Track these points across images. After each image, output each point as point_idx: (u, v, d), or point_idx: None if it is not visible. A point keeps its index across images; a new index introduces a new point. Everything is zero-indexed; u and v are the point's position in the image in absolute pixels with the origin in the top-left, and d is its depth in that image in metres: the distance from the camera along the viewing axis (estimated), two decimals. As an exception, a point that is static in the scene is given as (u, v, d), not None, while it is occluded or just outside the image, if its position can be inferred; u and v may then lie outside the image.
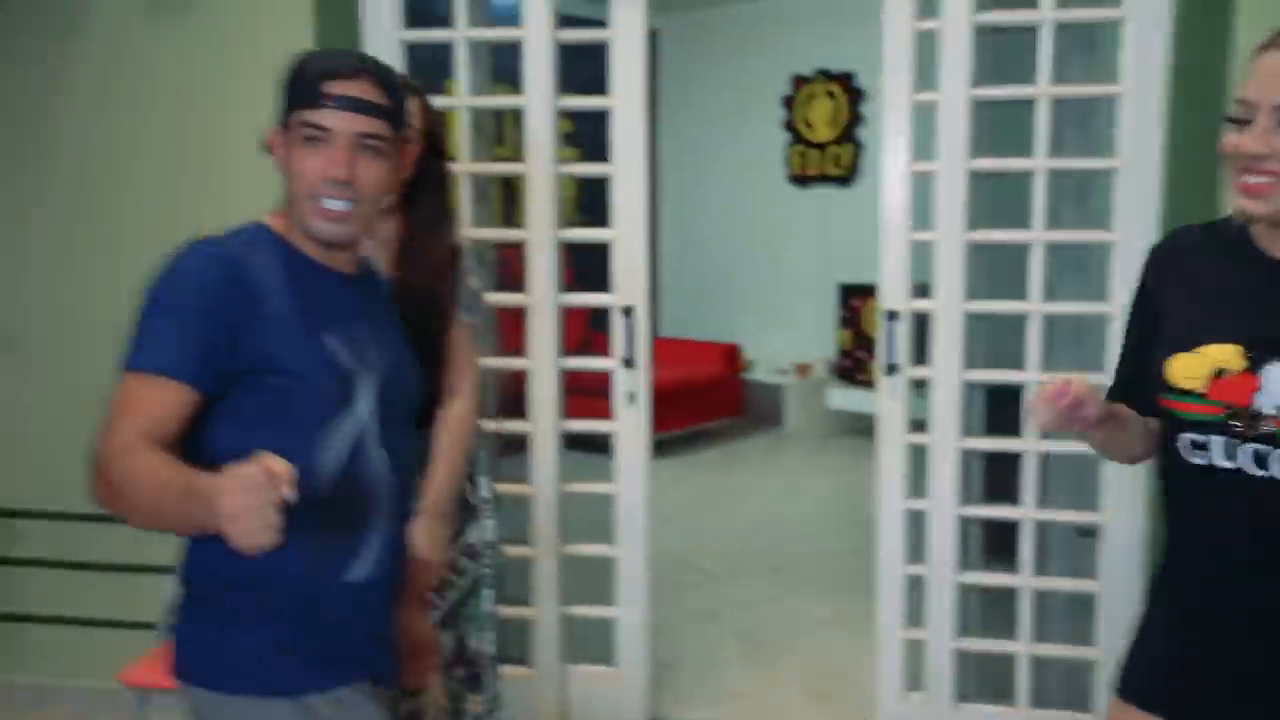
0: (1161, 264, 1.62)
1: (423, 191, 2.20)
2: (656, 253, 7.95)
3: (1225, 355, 1.44)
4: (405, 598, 1.73)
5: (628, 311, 2.99)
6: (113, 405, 1.39)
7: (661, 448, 6.56)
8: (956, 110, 2.75)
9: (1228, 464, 1.45)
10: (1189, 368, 1.47)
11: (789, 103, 7.47)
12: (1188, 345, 1.48)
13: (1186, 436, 1.49)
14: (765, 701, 3.35)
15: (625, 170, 2.97)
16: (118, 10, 3.00)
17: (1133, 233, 2.68)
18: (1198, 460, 1.48)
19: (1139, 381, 1.59)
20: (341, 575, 1.52)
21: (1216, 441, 1.45)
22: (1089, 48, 2.85)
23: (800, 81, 7.38)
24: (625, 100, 2.94)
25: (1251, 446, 1.43)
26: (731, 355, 7.21)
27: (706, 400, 6.96)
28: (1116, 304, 2.71)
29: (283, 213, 1.54)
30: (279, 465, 1.20)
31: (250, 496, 1.18)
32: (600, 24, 2.94)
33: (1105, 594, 2.79)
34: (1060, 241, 2.79)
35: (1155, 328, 1.56)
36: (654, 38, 7.78)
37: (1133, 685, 1.61)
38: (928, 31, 2.76)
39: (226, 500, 1.19)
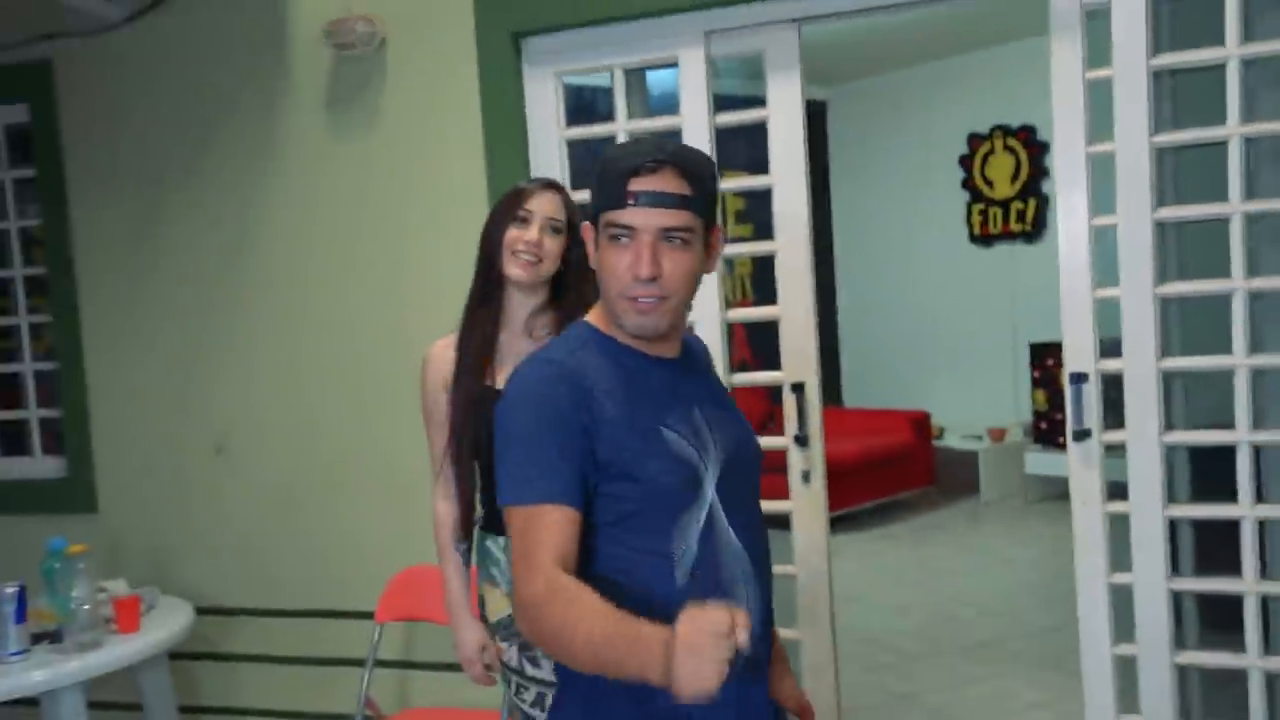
0: None
1: (570, 282, 2.22)
2: (835, 324, 7.85)
3: None
4: (775, 666, 1.67)
5: (798, 388, 2.93)
6: (520, 545, 1.41)
7: (851, 521, 6.46)
8: (1136, 158, 2.59)
9: None
10: None
11: (966, 162, 7.29)
12: None
13: None
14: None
15: (788, 247, 2.94)
16: (307, 133, 3.22)
17: (1347, 275, 2.45)
18: None
19: None
20: None
21: None
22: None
23: (976, 140, 7.20)
24: (785, 177, 2.92)
25: None
26: (921, 423, 6.98)
27: (897, 470, 6.75)
28: (1331, 354, 2.48)
29: (601, 308, 1.56)
30: (741, 615, 1.20)
31: (710, 640, 1.18)
32: (760, 102, 2.94)
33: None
34: (1264, 289, 2.57)
35: None
36: (821, 109, 7.79)
37: None
38: (1104, 80, 2.63)
39: (685, 635, 1.19)
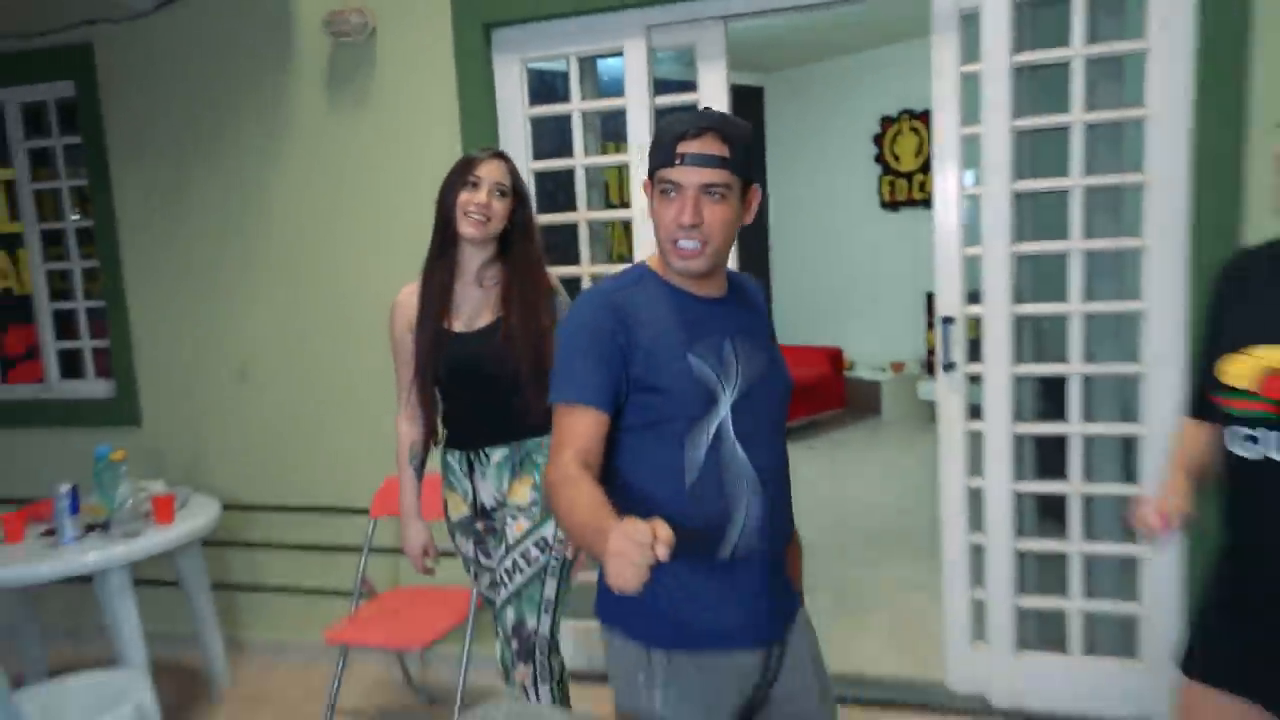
0: (1223, 282, 1.52)
1: (515, 239, 2.21)
2: (769, 275, 7.89)
3: (1275, 356, 1.38)
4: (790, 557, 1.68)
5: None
6: (554, 436, 1.48)
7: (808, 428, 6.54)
8: (998, 140, 2.63)
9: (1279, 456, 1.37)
10: (1240, 368, 1.41)
11: (879, 140, 7.28)
12: (1239, 348, 1.41)
13: (1239, 430, 1.41)
14: (850, 648, 3.27)
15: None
16: (309, 108, 3.19)
17: (1161, 239, 2.51)
18: (1250, 455, 1.40)
19: (1205, 393, 1.51)
20: (714, 555, 1.51)
21: (1267, 436, 1.38)
22: (1117, 77, 2.68)
23: (887, 121, 7.18)
24: (711, 151, 2.93)
25: None
26: (836, 357, 7.07)
27: (815, 396, 6.84)
28: (1148, 301, 2.55)
29: (657, 253, 1.59)
30: (664, 531, 1.20)
31: (631, 546, 1.19)
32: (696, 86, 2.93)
33: (1149, 557, 2.61)
34: (1096, 249, 2.64)
35: (1216, 341, 1.48)
36: (759, 94, 7.73)
37: (1215, 670, 1.49)
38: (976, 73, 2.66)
39: (613, 541, 1.21)
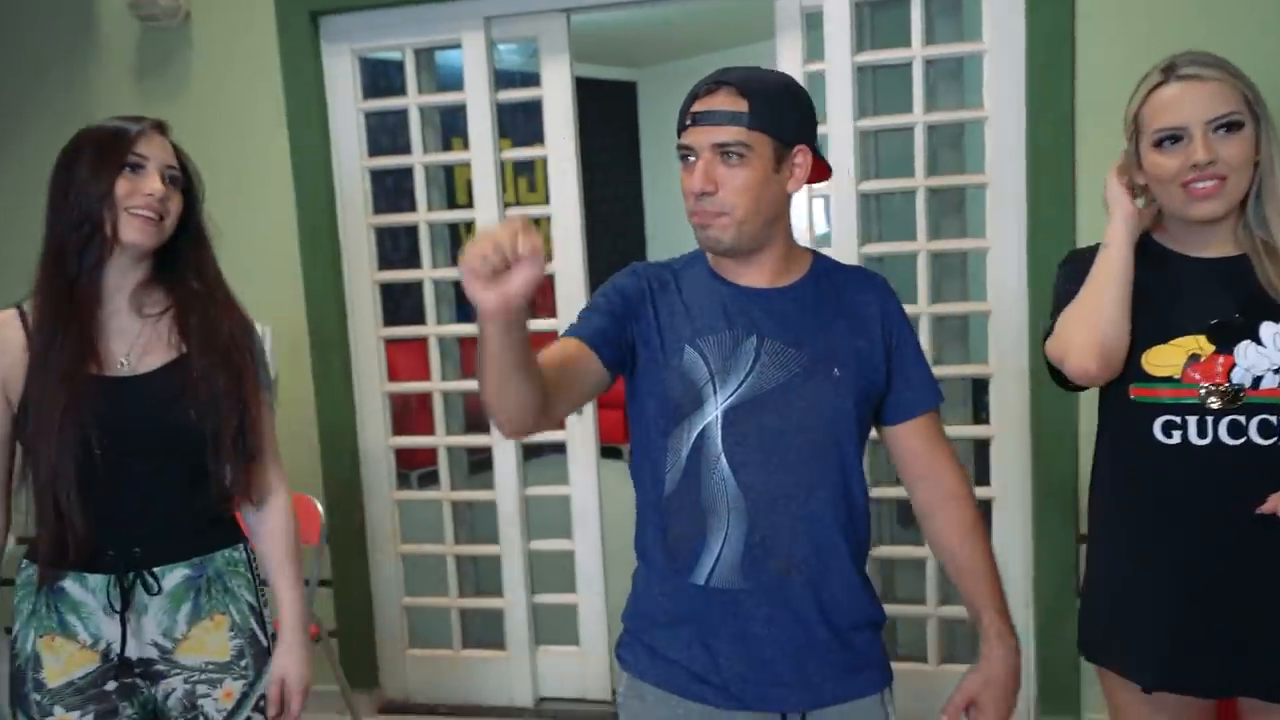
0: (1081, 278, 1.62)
1: (185, 247, 1.70)
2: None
3: (1195, 344, 1.53)
4: None
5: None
6: None
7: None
8: (843, 139, 2.83)
9: (1200, 440, 1.52)
10: (1165, 357, 1.54)
11: (756, 138, 7.55)
12: (1161, 339, 1.54)
13: (1160, 419, 1.54)
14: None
15: (561, 210, 3.07)
16: (117, 100, 3.09)
17: (1002, 239, 2.75)
18: (1170, 440, 1.54)
19: None
20: (687, 576, 1.45)
21: (1191, 420, 1.52)
22: (955, 77, 2.93)
23: (764, 118, 7.46)
24: (557, 148, 3.04)
25: (1227, 419, 1.51)
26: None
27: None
28: (992, 303, 2.78)
29: None
30: (527, 240, 1.12)
31: (481, 243, 1.12)
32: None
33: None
34: (941, 250, 2.86)
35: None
36: (631, 89, 7.93)
37: (1147, 667, 1.59)
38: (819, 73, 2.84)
39: (468, 250, 1.13)
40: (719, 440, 1.42)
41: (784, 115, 1.43)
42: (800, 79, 2.83)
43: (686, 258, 1.56)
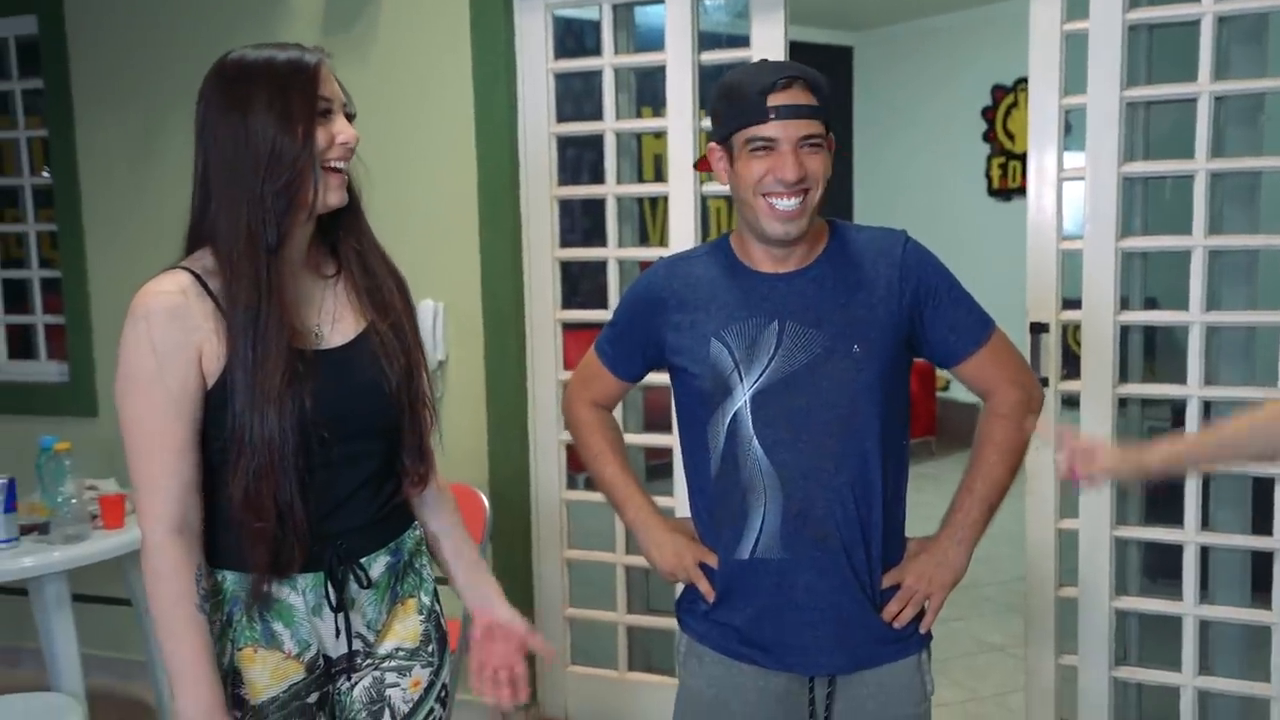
0: None
1: (352, 196, 1.59)
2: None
3: None
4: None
5: (769, 326, 3.00)
6: (579, 368, 1.96)
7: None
8: (1107, 112, 2.62)
9: None
10: None
11: (989, 113, 7.23)
12: None
13: None
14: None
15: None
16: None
17: (1306, 236, 2.48)
18: None
19: None
20: (733, 551, 1.72)
21: None
22: (1255, 40, 2.65)
23: (1000, 91, 7.13)
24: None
25: None
26: (926, 374, 7.02)
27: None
28: (1287, 313, 2.51)
29: (737, 230, 1.75)
30: (702, 583, 1.76)
31: (668, 566, 1.81)
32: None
33: (1281, 627, 2.57)
34: (1224, 247, 2.60)
35: None
36: (847, 55, 7.74)
37: None
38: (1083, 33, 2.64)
39: (654, 554, 1.82)
40: (750, 423, 1.66)
41: (831, 109, 1.66)
42: (1056, 41, 2.66)
43: (707, 248, 1.80)
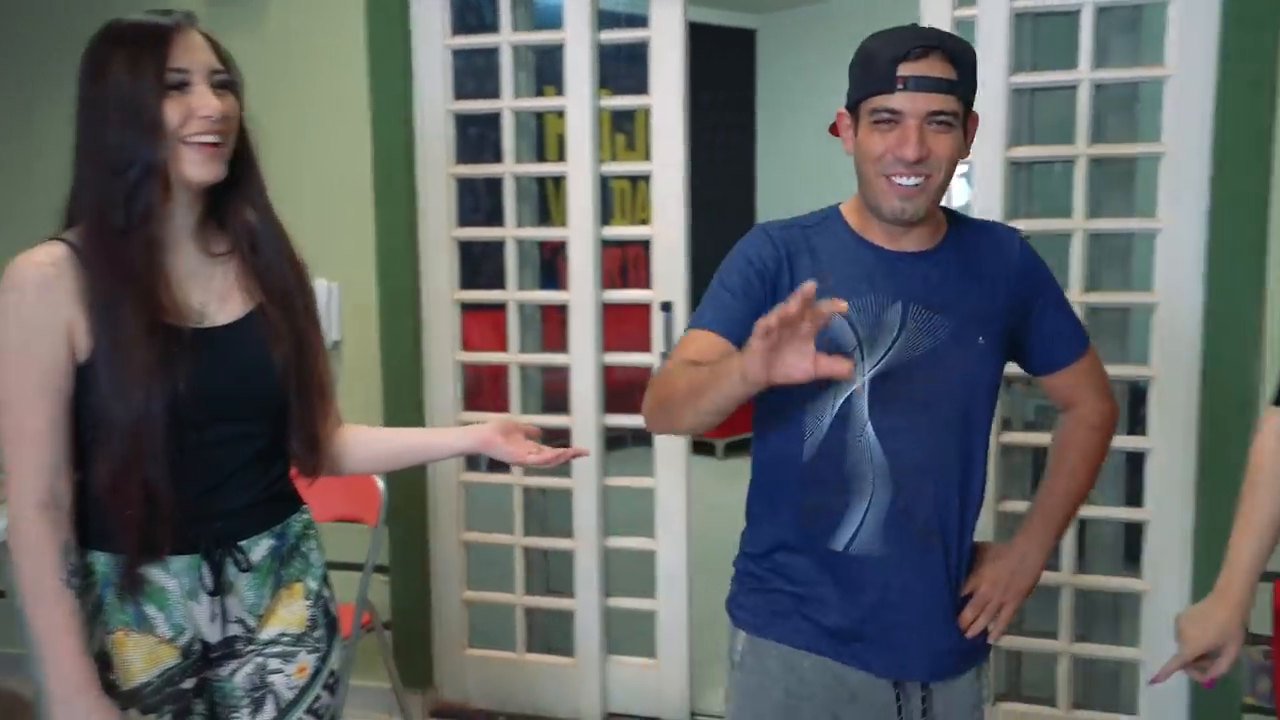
0: None
1: (241, 173, 1.55)
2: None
3: None
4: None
5: (666, 307, 3.03)
6: (674, 351, 1.59)
7: (746, 445, 6.61)
8: (994, 98, 2.69)
9: None
10: None
11: (888, 98, 7.37)
12: None
13: None
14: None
15: (663, 169, 3.01)
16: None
17: (1178, 219, 2.59)
18: None
19: None
20: (825, 541, 1.58)
21: None
22: (1131, 30, 2.76)
23: (899, 77, 7.27)
24: (663, 99, 2.98)
25: None
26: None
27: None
28: (1160, 293, 2.62)
29: (855, 197, 1.62)
30: (792, 303, 1.23)
31: (762, 342, 1.26)
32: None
33: (1153, 592, 2.69)
34: (1102, 230, 2.71)
35: None
36: (750, 37, 7.80)
37: None
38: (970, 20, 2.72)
39: (753, 343, 1.28)
40: (865, 409, 1.54)
41: (975, 84, 1.55)
42: (947, 26, 2.73)
43: (817, 217, 1.65)
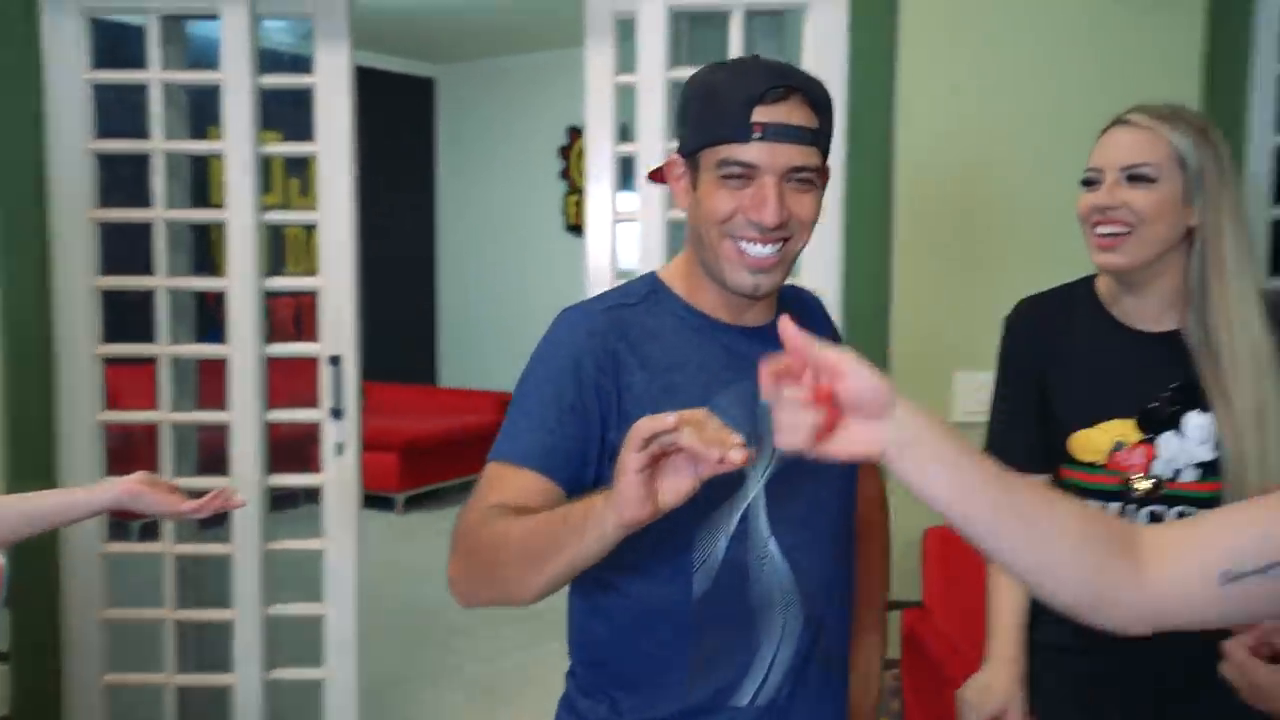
0: (1031, 340, 1.70)
1: None
2: (435, 304, 7.90)
3: (1123, 430, 1.60)
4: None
5: (335, 360, 2.93)
6: (479, 488, 1.24)
7: (434, 498, 6.52)
8: (654, 160, 2.83)
9: None
10: (1091, 442, 1.62)
11: (565, 152, 7.58)
12: (1087, 422, 1.62)
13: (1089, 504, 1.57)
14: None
15: (330, 218, 2.92)
16: None
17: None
18: None
19: (1042, 450, 1.67)
20: (726, 699, 1.29)
21: (1113, 507, 1.59)
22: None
23: (574, 132, 7.50)
24: (329, 146, 2.90)
25: (1147, 509, 1.59)
26: (509, 403, 7.18)
27: (480, 449, 6.84)
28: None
29: (683, 260, 1.35)
30: (664, 419, 0.95)
31: (635, 478, 0.97)
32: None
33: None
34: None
35: (1043, 402, 1.67)
36: (429, 86, 7.80)
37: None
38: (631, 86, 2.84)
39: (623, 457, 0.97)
40: (764, 519, 1.29)
41: (832, 132, 1.31)
42: (608, 92, 2.84)
43: (637, 293, 1.36)
